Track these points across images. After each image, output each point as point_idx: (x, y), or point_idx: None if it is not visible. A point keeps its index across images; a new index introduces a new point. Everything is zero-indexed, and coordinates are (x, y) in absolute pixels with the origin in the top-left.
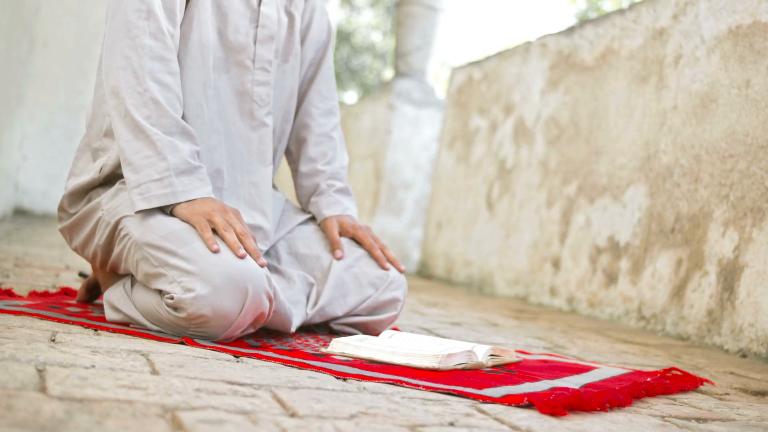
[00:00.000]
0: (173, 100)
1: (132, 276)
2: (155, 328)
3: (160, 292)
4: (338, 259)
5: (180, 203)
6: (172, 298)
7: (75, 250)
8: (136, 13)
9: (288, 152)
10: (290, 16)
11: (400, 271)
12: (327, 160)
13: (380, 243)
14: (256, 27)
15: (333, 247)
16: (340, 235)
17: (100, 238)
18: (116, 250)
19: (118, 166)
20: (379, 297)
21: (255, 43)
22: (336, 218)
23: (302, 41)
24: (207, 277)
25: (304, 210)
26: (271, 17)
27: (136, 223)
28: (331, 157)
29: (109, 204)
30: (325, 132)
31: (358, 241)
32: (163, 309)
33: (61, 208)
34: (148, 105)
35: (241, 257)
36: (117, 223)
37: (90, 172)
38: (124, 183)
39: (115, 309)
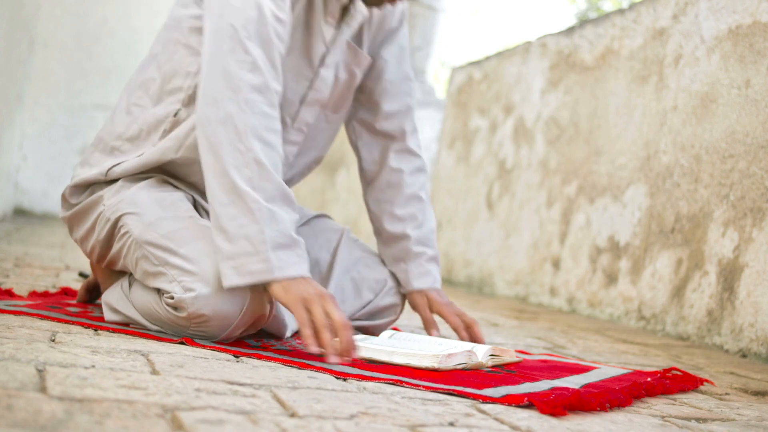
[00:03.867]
0: (276, 160)
1: (129, 276)
2: (155, 327)
3: (159, 290)
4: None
5: (275, 279)
6: (172, 298)
7: (76, 241)
8: (238, 63)
9: (371, 201)
10: (351, 74)
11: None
12: (417, 224)
13: (467, 319)
14: (309, 88)
15: (426, 326)
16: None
17: (99, 233)
18: (115, 247)
19: (127, 175)
20: (379, 303)
21: (300, 102)
22: (426, 294)
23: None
24: (207, 277)
25: (316, 214)
26: (327, 80)
27: (136, 221)
28: (421, 221)
29: (111, 200)
30: (414, 193)
31: (442, 318)
32: (162, 308)
33: (63, 197)
34: (250, 166)
35: (333, 357)
36: (117, 219)
37: (99, 167)
38: (128, 180)
39: (114, 310)
